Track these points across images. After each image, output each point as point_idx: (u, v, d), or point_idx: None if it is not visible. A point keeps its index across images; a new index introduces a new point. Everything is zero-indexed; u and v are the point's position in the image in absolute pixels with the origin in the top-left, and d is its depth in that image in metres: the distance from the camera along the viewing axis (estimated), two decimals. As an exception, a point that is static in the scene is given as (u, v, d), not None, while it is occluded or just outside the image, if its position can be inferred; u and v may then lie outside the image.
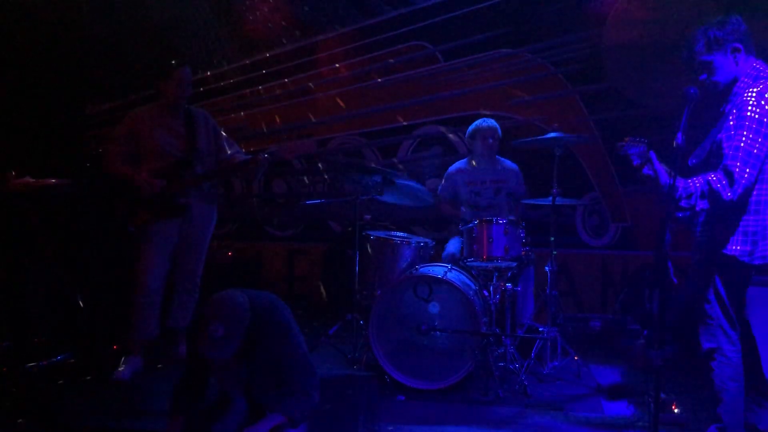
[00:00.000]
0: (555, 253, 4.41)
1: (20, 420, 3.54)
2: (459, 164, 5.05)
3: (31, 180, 4.59)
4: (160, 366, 4.48)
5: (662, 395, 3.36)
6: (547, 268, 4.41)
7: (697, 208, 2.90)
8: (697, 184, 2.87)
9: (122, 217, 4.32)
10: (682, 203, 2.89)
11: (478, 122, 4.93)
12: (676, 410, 3.58)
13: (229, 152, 4.53)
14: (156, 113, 4.38)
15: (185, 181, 4.33)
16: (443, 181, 5.07)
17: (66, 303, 4.94)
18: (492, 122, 4.92)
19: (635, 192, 5.91)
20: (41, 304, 4.91)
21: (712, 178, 2.84)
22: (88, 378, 4.25)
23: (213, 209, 4.58)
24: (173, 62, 4.32)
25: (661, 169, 2.98)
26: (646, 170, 3.00)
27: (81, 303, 4.94)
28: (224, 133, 4.63)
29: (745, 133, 2.81)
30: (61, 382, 4.20)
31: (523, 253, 4.38)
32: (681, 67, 3.14)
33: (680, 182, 2.90)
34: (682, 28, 5.60)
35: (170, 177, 4.28)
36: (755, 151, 2.80)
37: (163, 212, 4.29)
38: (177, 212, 4.32)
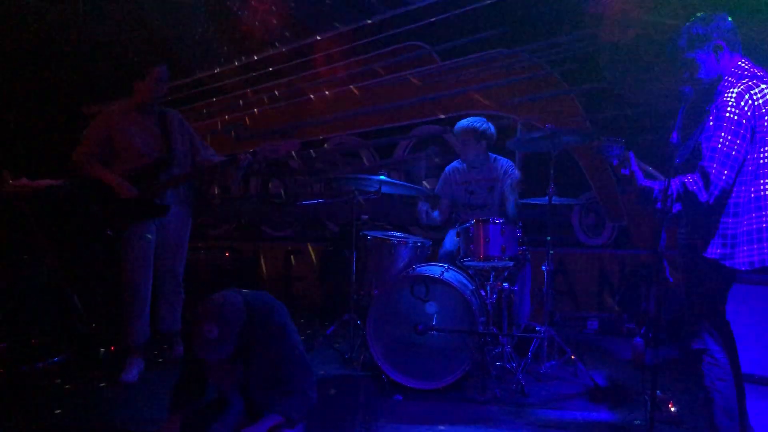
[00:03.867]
0: (552, 252, 4.41)
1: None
2: (454, 164, 5.05)
3: (27, 181, 4.59)
4: (152, 363, 4.50)
5: (659, 394, 3.36)
6: (543, 267, 4.41)
7: (674, 211, 2.88)
8: (674, 186, 2.83)
9: (100, 220, 4.26)
10: (658, 205, 2.85)
11: (457, 124, 4.86)
12: (672, 409, 3.59)
13: (204, 154, 4.50)
14: (130, 112, 4.29)
15: (163, 182, 4.27)
16: (440, 182, 5.06)
17: (63, 304, 4.94)
18: (466, 124, 4.80)
19: (632, 191, 5.92)
20: (38, 305, 4.90)
21: (688, 179, 2.81)
22: (87, 379, 4.25)
23: (188, 211, 4.53)
24: (151, 61, 4.28)
25: (638, 170, 2.97)
26: (624, 170, 2.99)
27: (78, 304, 4.93)
28: (197, 135, 4.61)
29: (722, 134, 2.78)
30: (57, 382, 4.21)
31: (519, 252, 4.38)
32: (676, 66, 3.14)
33: (656, 184, 2.90)
34: (678, 26, 5.63)
35: (147, 178, 4.23)
36: (733, 153, 2.77)
37: (143, 214, 4.24)
38: (157, 213, 4.27)
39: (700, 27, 2.93)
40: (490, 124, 4.84)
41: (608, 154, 3.05)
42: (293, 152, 6.75)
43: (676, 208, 2.88)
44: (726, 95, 2.84)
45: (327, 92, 6.73)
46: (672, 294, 4.89)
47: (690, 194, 2.79)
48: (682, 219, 3.01)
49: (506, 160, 4.93)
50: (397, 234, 4.82)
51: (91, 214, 4.29)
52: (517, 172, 4.80)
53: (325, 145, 6.80)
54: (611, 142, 3.04)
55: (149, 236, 4.29)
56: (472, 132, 4.78)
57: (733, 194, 2.84)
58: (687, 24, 2.97)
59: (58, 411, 3.73)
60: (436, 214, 4.94)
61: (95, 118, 4.36)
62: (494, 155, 4.93)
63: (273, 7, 6.72)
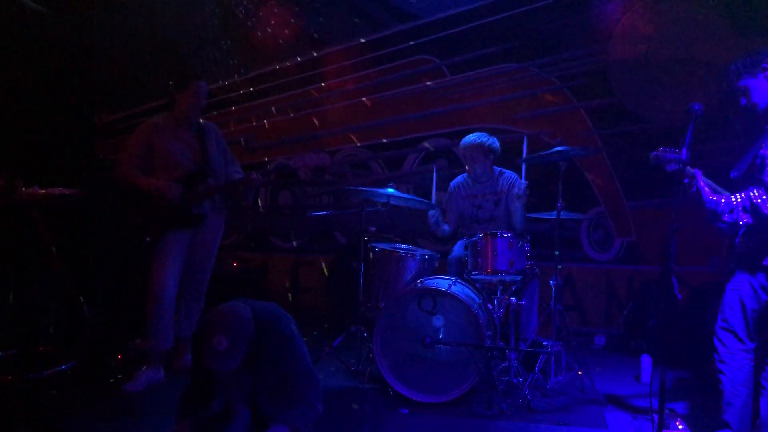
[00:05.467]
0: (560, 267, 4.41)
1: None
2: (458, 179, 5.04)
3: (40, 189, 4.63)
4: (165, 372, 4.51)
5: (666, 411, 3.35)
6: (551, 282, 4.40)
7: (741, 222, 3.05)
8: (739, 200, 3.03)
9: (138, 227, 4.33)
10: (725, 217, 3.05)
11: (462, 141, 4.87)
12: (680, 426, 3.57)
13: (230, 169, 4.59)
14: (169, 124, 4.40)
15: (200, 192, 4.36)
16: (446, 198, 5.06)
17: (72, 312, 4.97)
18: (472, 140, 4.79)
19: (640, 206, 5.92)
20: (47, 313, 4.93)
21: (753, 193, 2.99)
22: (94, 388, 4.27)
23: (222, 219, 4.63)
24: (191, 75, 4.37)
25: (704, 186, 3.14)
26: (692, 189, 3.15)
27: (87, 312, 4.96)
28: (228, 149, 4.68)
29: None
30: (66, 390, 4.22)
31: (527, 266, 4.37)
32: (685, 83, 3.29)
33: (723, 197, 3.08)
34: (688, 43, 5.65)
35: (185, 187, 4.32)
36: None
37: (180, 222, 4.32)
38: (194, 222, 4.37)
39: (747, 59, 3.17)
40: (494, 138, 4.84)
41: (666, 164, 3.21)
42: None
43: (744, 219, 3.04)
44: None
45: (337, 105, 6.77)
46: (681, 311, 4.87)
47: (756, 207, 2.98)
48: (741, 229, 3.14)
49: (512, 173, 4.93)
50: (405, 246, 4.82)
51: (126, 220, 4.36)
52: (523, 182, 4.78)
53: (335, 157, 6.82)
54: (667, 152, 3.21)
55: (183, 244, 4.36)
56: (479, 148, 4.78)
57: None
58: (734, 61, 3.22)
59: (70, 412, 3.77)
60: (445, 226, 4.95)
61: (136, 130, 4.44)
62: (499, 169, 4.93)
63: (284, 20, 6.78)
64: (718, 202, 3.07)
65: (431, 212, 4.87)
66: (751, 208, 2.99)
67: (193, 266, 4.49)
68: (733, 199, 3.04)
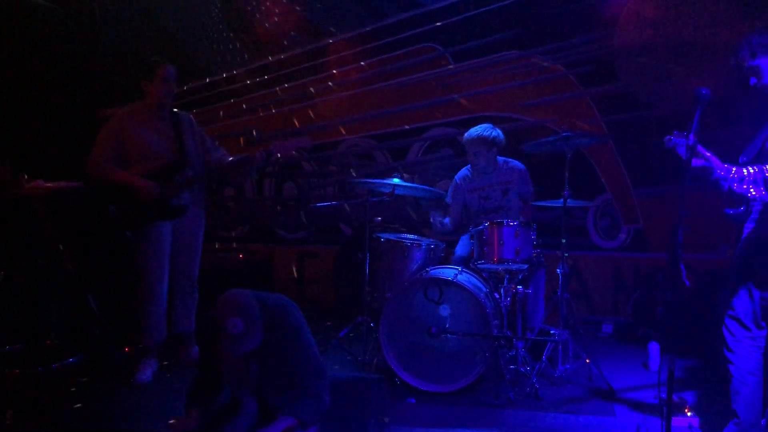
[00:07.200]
0: (566, 255, 4.38)
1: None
2: (463, 171, 5.00)
3: (44, 183, 4.62)
4: (166, 364, 4.53)
5: (675, 398, 3.33)
6: (558, 270, 4.38)
7: (750, 196, 2.98)
8: (751, 171, 2.96)
9: (116, 221, 4.28)
10: (734, 187, 2.99)
11: (465, 134, 4.83)
12: (689, 413, 3.55)
13: (215, 155, 4.51)
14: (143, 114, 4.31)
15: (178, 183, 4.29)
16: (450, 191, 5.03)
17: (78, 305, 4.97)
18: (475, 134, 4.75)
19: (647, 193, 5.88)
20: (53, 307, 4.94)
21: (767, 167, 2.94)
22: (101, 381, 4.29)
23: (201, 212, 4.53)
24: (155, 60, 4.29)
25: (711, 156, 3.08)
26: (695, 162, 3.06)
27: (93, 305, 4.96)
28: (207, 136, 4.61)
29: None
30: (73, 384, 4.24)
31: (534, 255, 4.35)
32: (692, 67, 3.22)
33: (735, 167, 3.02)
34: (694, 28, 5.59)
35: (162, 179, 4.23)
36: None
37: (160, 215, 4.24)
38: (174, 214, 4.28)
39: (759, 36, 3.05)
40: (498, 130, 4.79)
41: (677, 143, 3.12)
42: (305, 152, 6.78)
43: (758, 192, 2.97)
44: None
45: (341, 94, 6.74)
46: (689, 298, 4.85)
47: None
48: (753, 214, 3.08)
49: (519, 163, 4.90)
50: (411, 236, 4.80)
51: (108, 216, 4.31)
52: (530, 186, 4.86)
53: (339, 147, 6.81)
54: (679, 136, 3.12)
55: (165, 237, 4.31)
56: (482, 141, 4.74)
57: None
58: (746, 36, 3.09)
59: (78, 405, 3.80)
60: (447, 220, 4.94)
61: (107, 122, 4.36)
62: (504, 158, 4.90)
63: (287, 10, 6.75)
64: (728, 169, 3.00)
65: (433, 216, 4.88)
66: (763, 182, 2.92)
67: (178, 260, 4.43)
68: (745, 171, 2.97)
